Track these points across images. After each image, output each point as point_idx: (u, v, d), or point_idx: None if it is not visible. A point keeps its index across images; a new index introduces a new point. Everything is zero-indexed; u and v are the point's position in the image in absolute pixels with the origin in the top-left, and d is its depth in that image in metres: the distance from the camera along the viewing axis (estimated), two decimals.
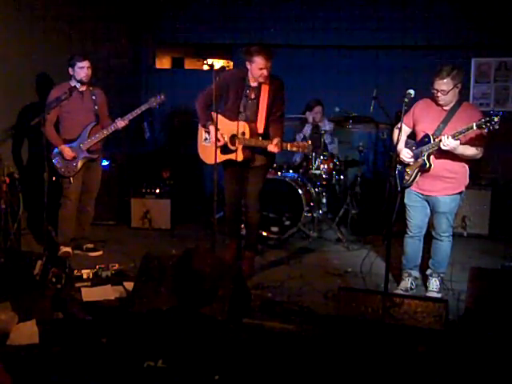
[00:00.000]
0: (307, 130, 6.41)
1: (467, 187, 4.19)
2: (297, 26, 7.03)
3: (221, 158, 4.47)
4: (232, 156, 4.44)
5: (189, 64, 8.87)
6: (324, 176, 5.94)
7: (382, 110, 5.75)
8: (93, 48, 6.34)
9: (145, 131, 7.14)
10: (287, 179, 5.78)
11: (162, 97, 4.98)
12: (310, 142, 4.31)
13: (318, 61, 7.11)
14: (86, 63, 4.87)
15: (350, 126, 6.25)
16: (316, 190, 5.95)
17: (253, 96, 4.43)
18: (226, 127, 4.42)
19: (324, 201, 6.09)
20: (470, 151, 3.90)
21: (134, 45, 7.54)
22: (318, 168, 5.91)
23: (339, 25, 6.92)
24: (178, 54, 8.87)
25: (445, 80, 3.86)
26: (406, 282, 4.38)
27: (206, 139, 4.61)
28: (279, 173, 5.99)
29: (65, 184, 4.97)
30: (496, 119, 3.58)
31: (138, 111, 4.99)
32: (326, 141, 6.18)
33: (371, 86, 5.87)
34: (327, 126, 6.32)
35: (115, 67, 6.98)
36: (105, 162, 6.13)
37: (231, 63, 7.67)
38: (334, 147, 6.38)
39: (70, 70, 4.89)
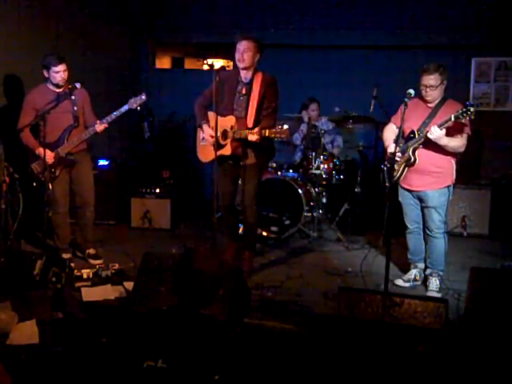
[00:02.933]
0: (303, 129, 6.41)
1: (467, 187, 4.23)
2: (297, 26, 7.03)
3: (214, 154, 4.47)
4: (223, 151, 4.47)
5: (189, 64, 8.87)
6: (324, 176, 5.94)
7: (382, 109, 5.74)
8: (93, 48, 6.34)
9: (145, 131, 7.13)
10: (287, 179, 5.79)
11: (143, 97, 4.76)
12: (287, 126, 4.21)
13: (318, 61, 7.12)
14: (61, 67, 4.59)
15: (350, 126, 6.25)
16: (316, 189, 5.96)
17: (244, 92, 4.49)
18: (219, 124, 4.42)
19: (324, 201, 6.09)
20: (454, 142, 4.07)
21: (134, 45, 7.54)
22: (318, 168, 5.91)
23: (339, 25, 6.92)
24: (178, 54, 8.87)
25: (433, 76, 4.05)
26: (411, 273, 4.51)
27: (202, 139, 4.65)
28: (279, 173, 5.99)
29: (47, 191, 4.66)
30: (472, 109, 3.78)
31: (117, 113, 4.73)
32: (326, 140, 6.18)
33: (371, 86, 5.87)
34: (325, 125, 6.31)
35: (115, 67, 6.98)
36: (105, 162, 6.14)
37: (231, 63, 7.66)
38: (337, 145, 6.37)
39: (45, 72, 4.63)
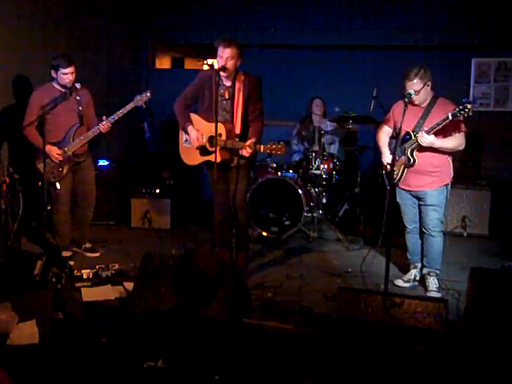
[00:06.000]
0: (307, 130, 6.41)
1: (467, 187, 4.24)
2: (297, 26, 7.04)
3: (200, 159, 4.49)
4: (211, 157, 4.33)
5: (189, 64, 8.88)
6: (324, 176, 5.94)
7: (382, 109, 5.74)
8: (93, 48, 6.34)
9: (145, 131, 7.13)
10: (287, 179, 5.79)
11: (148, 94, 4.75)
12: (283, 143, 4.17)
13: (318, 61, 7.12)
14: (70, 69, 4.63)
15: (350, 126, 6.25)
16: (316, 189, 5.96)
17: (227, 96, 4.39)
18: (204, 128, 4.40)
19: (324, 201, 6.09)
20: (450, 143, 4.07)
21: (134, 45, 7.54)
22: (318, 168, 5.91)
23: (339, 25, 6.93)
24: (178, 54, 8.88)
25: (414, 81, 4.02)
26: (411, 274, 4.52)
27: (186, 140, 4.57)
28: (279, 173, 5.99)
29: (52, 190, 4.78)
30: (469, 106, 3.75)
31: (123, 111, 4.74)
32: (327, 142, 6.18)
33: (371, 86, 5.87)
34: (329, 126, 6.33)
35: (115, 67, 6.97)
36: (105, 162, 6.14)
37: None
38: (334, 147, 6.39)
39: (53, 72, 4.66)
